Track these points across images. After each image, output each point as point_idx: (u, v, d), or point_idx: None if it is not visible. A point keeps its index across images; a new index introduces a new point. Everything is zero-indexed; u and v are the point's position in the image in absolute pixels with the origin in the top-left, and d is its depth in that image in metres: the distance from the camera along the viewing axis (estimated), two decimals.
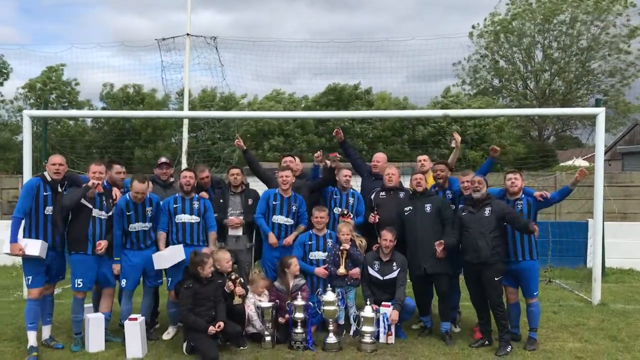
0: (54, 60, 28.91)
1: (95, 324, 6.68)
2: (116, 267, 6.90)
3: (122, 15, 66.72)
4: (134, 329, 6.52)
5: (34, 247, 6.39)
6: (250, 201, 7.81)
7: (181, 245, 7.09)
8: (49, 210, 6.52)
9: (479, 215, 6.71)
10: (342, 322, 7.20)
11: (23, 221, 6.45)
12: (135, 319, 6.60)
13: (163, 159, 8.18)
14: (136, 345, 6.49)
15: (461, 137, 8.07)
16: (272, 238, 7.53)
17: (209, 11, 70.62)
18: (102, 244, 6.69)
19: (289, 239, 7.58)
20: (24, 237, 6.48)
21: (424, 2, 69.97)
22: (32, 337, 6.51)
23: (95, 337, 6.67)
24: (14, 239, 6.37)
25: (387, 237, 7.16)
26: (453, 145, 8.07)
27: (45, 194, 6.50)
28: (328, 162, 7.82)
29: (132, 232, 6.92)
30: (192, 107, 25.62)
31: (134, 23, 65.08)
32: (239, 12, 68.92)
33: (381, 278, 7.21)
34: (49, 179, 6.57)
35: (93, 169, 6.72)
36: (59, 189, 6.60)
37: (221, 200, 7.80)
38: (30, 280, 6.54)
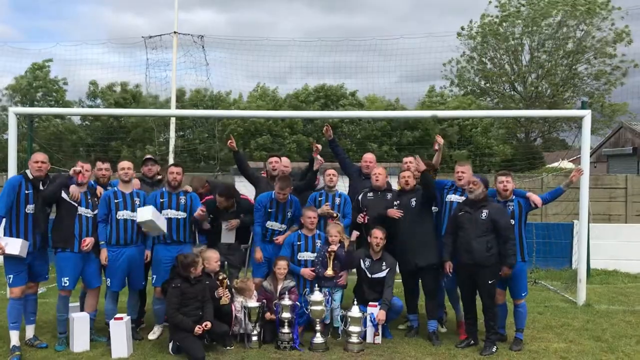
0: (39, 58, 28.73)
1: (80, 324, 6.63)
2: (103, 253, 6.77)
3: (119, 13, 66.53)
4: (120, 329, 6.47)
5: (14, 247, 6.33)
6: (242, 215, 7.70)
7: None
8: (30, 208, 6.46)
9: (475, 216, 6.65)
10: (327, 321, 7.19)
11: (4, 220, 6.38)
12: (121, 319, 6.55)
13: (148, 155, 8.17)
14: (122, 345, 6.44)
15: (444, 138, 8.06)
16: (258, 253, 7.56)
17: (210, 10, 70.77)
18: (88, 241, 6.63)
19: (280, 238, 7.58)
20: (4, 235, 6.41)
21: (422, 3, 70.42)
22: (14, 337, 6.45)
23: (80, 337, 6.62)
24: None
25: (378, 235, 7.16)
26: (436, 147, 8.06)
27: (26, 192, 6.45)
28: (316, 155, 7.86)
29: (120, 220, 6.81)
30: (183, 107, 25.55)
31: (131, 21, 64.94)
32: (239, 11, 69.16)
33: (369, 275, 7.22)
34: (30, 177, 6.51)
35: (79, 166, 6.67)
36: (41, 187, 6.54)
37: (211, 216, 7.56)
38: (11, 279, 6.49)
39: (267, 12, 64.72)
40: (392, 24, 64.01)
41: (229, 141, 8.21)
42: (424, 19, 66.81)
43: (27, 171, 6.58)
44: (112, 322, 6.52)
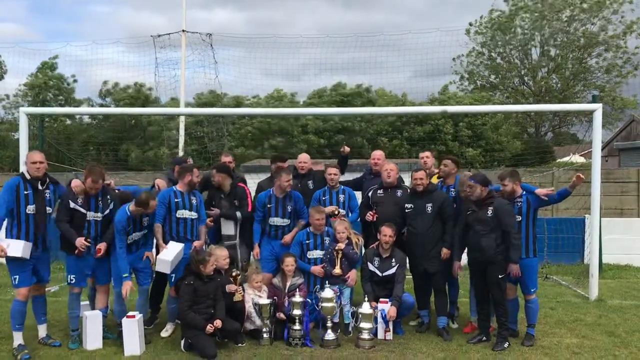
0: (48, 57, 28.91)
1: (92, 322, 6.67)
2: (127, 285, 6.58)
3: (138, 13, 67.50)
4: (132, 327, 6.50)
5: (17, 248, 6.28)
6: (236, 202, 7.73)
7: (182, 245, 7.01)
8: (30, 209, 6.38)
9: (481, 215, 6.67)
10: (336, 320, 7.16)
11: (5, 222, 6.34)
12: (133, 317, 6.58)
13: (192, 161, 8.13)
14: (134, 342, 6.48)
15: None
16: (256, 249, 7.65)
17: (228, 9, 71.71)
18: (102, 249, 6.65)
19: (287, 238, 7.60)
20: (6, 237, 6.38)
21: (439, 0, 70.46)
22: (18, 337, 6.47)
23: (93, 335, 6.66)
24: None
25: (387, 233, 7.14)
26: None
27: (25, 192, 6.36)
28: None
29: (130, 241, 6.78)
30: (199, 105, 25.52)
31: (150, 21, 65.92)
32: (257, 10, 69.88)
33: (380, 274, 7.21)
34: (28, 177, 6.42)
35: (88, 184, 6.55)
36: (40, 187, 6.46)
37: (213, 202, 7.76)
38: (17, 280, 6.41)
39: (284, 10, 65.38)
40: (409, 21, 64.39)
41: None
42: (441, 16, 67.00)
43: (24, 171, 6.50)
44: (124, 320, 6.55)
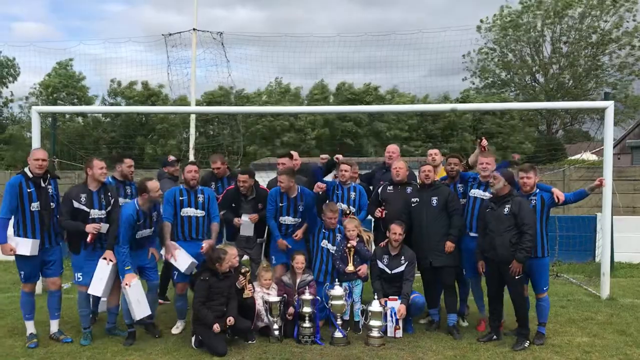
0: (63, 57, 29.11)
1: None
2: (131, 278, 6.59)
3: (159, 13, 68.02)
4: (134, 290, 6.51)
5: (25, 247, 6.43)
6: (260, 205, 7.73)
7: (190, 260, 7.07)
8: (35, 206, 6.47)
9: (497, 213, 6.60)
10: (346, 317, 7.16)
11: (11, 220, 6.47)
12: (134, 277, 6.57)
13: (172, 157, 8.57)
14: (142, 304, 6.56)
15: (475, 131, 8.02)
16: (282, 244, 7.59)
17: (247, 7, 72.20)
18: (91, 238, 6.56)
19: (299, 233, 7.63)
20: (14, 235, 6.49)
21: None
22: (30, 326, 6.70)
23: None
24: (3, 240, 6.41)
25: (397, 231, 7.13)
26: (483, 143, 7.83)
27: (28, 190, 6.44)
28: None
29: (137, 238, 6.78)
30: (209, 103, 25.57)
31: (170, 19, 66.34)
32: (276, 8, 70.20)
33: (389, 272, 7.20)
34: (30, 175, 6.49)
35: (98, 165, 6.62)
36: (42, 184, 6.53)
37: (233, 205, 7.72)
38: (23, 276, 6.64)
39: (303, 8, 66.00)
40: (427, 17, 64.57)
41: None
42: (458, 11, 66.97)
43: (26, 169, 6.56)
44: (124, 286, 6.50)
